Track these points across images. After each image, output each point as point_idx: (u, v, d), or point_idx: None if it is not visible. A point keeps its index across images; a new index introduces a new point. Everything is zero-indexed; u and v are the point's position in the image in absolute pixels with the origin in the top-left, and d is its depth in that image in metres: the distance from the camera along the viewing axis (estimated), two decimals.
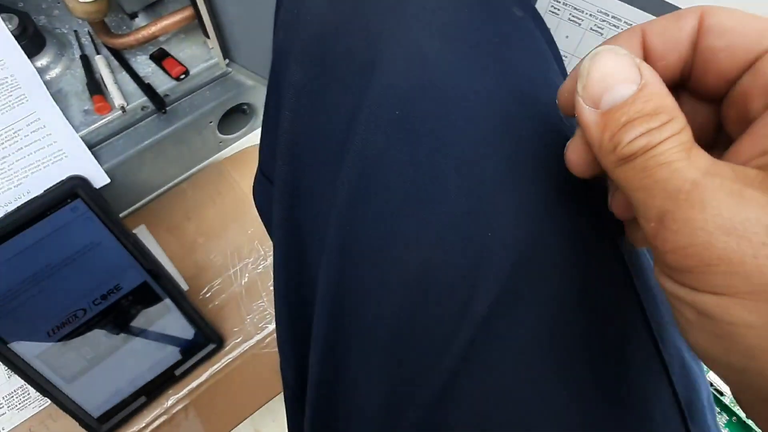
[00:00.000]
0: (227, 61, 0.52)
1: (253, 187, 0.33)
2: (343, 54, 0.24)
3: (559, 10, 0.33)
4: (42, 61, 0.48)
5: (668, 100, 0.16)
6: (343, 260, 0.23)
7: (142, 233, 0.62)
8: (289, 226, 0.26)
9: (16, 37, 0.46)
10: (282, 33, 0.27)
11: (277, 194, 0.26)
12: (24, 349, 0.47)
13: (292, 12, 0.26)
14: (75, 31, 0.50)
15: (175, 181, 0.59)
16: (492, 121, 0.22)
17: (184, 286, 0.61)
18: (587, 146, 0.18)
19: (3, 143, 0.44)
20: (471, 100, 0.22)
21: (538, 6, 0.33)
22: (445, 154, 0.21)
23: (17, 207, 0.43)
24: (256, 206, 0.34)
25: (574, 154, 0.19)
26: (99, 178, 0.47)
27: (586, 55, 0.17)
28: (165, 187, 0.59)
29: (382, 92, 0.22)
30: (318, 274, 0.24)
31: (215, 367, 0.57)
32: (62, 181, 0.44)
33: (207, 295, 0.61)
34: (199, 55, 0.52)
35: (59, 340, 0.49)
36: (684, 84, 0.19)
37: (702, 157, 0.15)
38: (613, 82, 0.16)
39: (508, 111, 0.22)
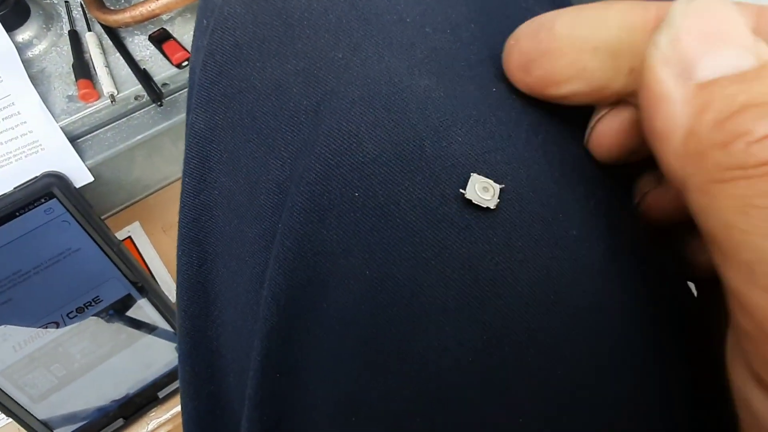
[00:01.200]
0: None
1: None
2: (269, 92, 0.15)
3: None
4: (24, 35, 0.41)
5: None
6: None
7: (136, 231, 0.56)
8: (194, 358, 0.19)
9: None
10: (194, 53, 0.19)
11: (178, 297, 0.19)
12: None
13: (201, 23, 0.18)
14: (66, 1, 0.43)
15: (174, 179, 0.52)
16: None
17: None
18: (634, 128, 0.14)
19: None
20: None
21: None
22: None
23: None
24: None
25: (609, 137, 0.14)
26: (80, 175, 0.41)
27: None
28: (163, 184, 0.53)
29: (330, 157, 0.14)
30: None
31: None
32: (36, 177, 0.39)
33: None
34: None
35: (27, 356, 0.43)
36: None
37: None
38: (720, 42, 0.10)
39: None
